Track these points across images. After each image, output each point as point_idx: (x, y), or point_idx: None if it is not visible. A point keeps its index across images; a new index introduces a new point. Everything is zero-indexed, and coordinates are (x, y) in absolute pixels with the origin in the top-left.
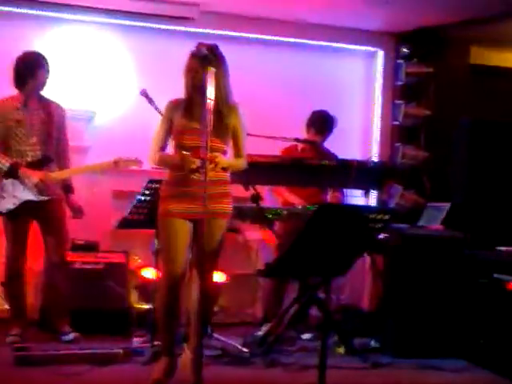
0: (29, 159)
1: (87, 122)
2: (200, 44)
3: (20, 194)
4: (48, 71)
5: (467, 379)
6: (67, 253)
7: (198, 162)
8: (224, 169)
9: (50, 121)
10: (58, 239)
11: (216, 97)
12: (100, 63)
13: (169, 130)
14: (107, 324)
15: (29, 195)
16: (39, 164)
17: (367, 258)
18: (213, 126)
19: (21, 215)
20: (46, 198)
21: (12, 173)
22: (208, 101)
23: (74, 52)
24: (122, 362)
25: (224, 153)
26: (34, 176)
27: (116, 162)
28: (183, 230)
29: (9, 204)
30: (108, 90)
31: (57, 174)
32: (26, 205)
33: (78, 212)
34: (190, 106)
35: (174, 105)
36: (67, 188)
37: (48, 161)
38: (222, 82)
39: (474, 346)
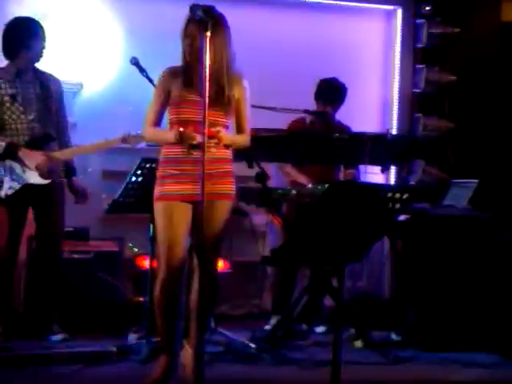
0: (26, 138)
1: (74, 96)
2: (194, 6)
3: (21, 176)
4: (44, 40)
5: (501, 375)
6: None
7: (198, 138)
8: (226, 146)
9: (48, 95)
10: (56, 229)
11: (216, 65)
12: (85, 30)
13: (164, 101)
14: (100, 319)
15: (32, 178)
16: (39, 143)
17: (386, 242)
18: (214, 98)
19: (19, 201)
20: (47, 182)
21: (10, 154)
22: (205, 69)
23: (57, 19)
24: (116, 360)
25: (226, 128)
26: (36, 157)
27: (124, 139)
28: (182, 214)
29: (7, 189)
30: (96, 59)
31: (60, 154)
32: (25, 189)
33: (82, 196)
34: (188, 75)
35: (171, 74)
36: (70, 169)
37: (48, 139)
38: (223, 48)
39: (509, 338)
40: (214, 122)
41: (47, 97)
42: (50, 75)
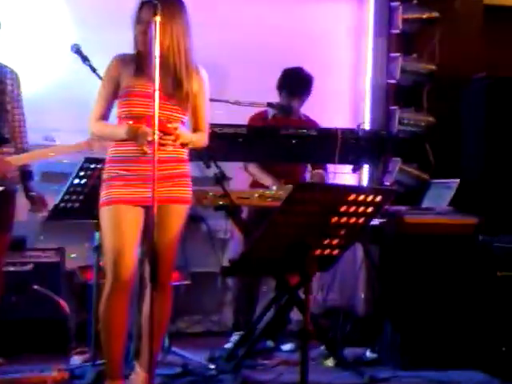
0: None
1: None
2: None
3: None
4: None
5: None
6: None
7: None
8: (183, 145)
9: (2, 91)
10: (2, 240)
11: (173, 55)
12: (25, 15)
13: (113, 93)
14: (39, 340)
15: None
16: None
17: (359, 249)
18: (170, 91)
19: None
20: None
21: None
22: (155, 59)
23: None
24: None
25: (182, 124)
26: None
27: (90, 143)
28: (132, 220)
29: None
30: (38, 48)
31: (16, 159)
32: None
33: (39, 204)
34: (140, 65)
35: (122, 62)
36: (26, 173)
37: (2, 142)
38: (180, 35)
39: (494, 354)
40: (169, 118)
41: (1, 93)
42: (6, 67)
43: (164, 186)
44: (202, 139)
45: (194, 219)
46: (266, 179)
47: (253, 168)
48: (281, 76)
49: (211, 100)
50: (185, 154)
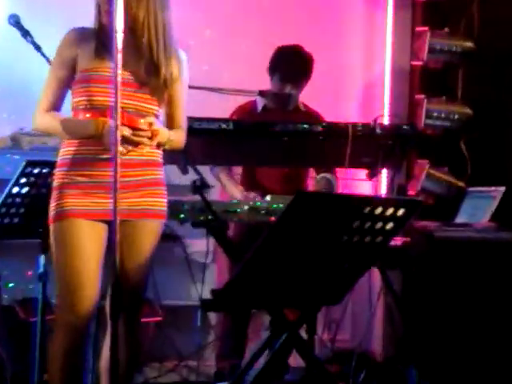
0: None
1: None
2: None
3: None
4: None
5: None
6: None
7: (126, 131)
8: (159, 144)
9: None
10: None
11: (147, 31)
12: None
13: (67, 77)
14: None
15: None
16: None
17: (377, 276)
18: (144, 78)
19: None
20: None
21: None
22: (117, 35)
23: None
24: None
25: (156, 118)
26: None
27: (16, 138)
28: (92, 239)
29: None
30: None
31: None
32: None
33: None
34: (104, 42)
35: (79, 37)
36: None
37: None
38: (158, 9)
39: None
40: (140, 110)
41: None
42: None
43: (134, 196)
44: (181, 138)
45: (166, 238)
46: (234, 190)
47: (221, 173)
48: (273, 56)
49: (194, 88)
50: (159, 156)
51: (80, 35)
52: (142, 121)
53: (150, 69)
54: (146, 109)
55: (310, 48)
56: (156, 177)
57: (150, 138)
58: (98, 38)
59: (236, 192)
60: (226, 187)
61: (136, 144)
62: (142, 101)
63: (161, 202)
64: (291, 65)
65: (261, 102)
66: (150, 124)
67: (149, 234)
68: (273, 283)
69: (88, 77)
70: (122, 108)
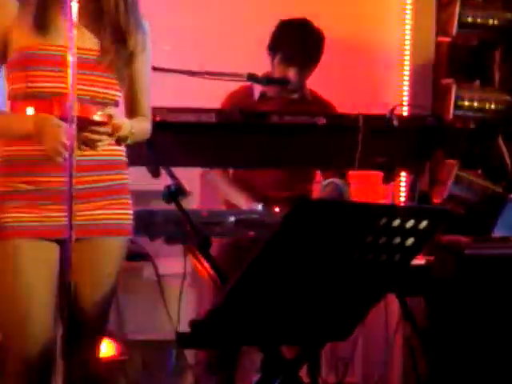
0: None
1: None
2: None
3: None
4: None
5: None
6: None
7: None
8: (121, 140)
9: None
10: None
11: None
12: None
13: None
14: None
15: None
16: None
17: (394, 304)
18: (107, 54)
19: None
20: None
21: None
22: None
23: None
24: None
25: (116, 106)
26: None
27: None
28: (40, 264)
29: None
30: None
31: None
32: None
33: None
34: (48, 11)
35: (13, 4)
36: None
37: None
38: None
39: None
40: (99, 98)
41: None
42: None
43: (90, 208)
44: (145, 129)
45: (133, 258)
46: (237, 196)
47: (216, 178)
48: (274, 32)
49: (159, 70)
50: (122, 155)
51: (13, 1)
52: (99, 113)
53: (113, 42)
54: (105, 95)
55: (321, 25)
56: (118, 182)
57: (111, 135)
58: (40, 7)
59: (239, 198)
60: (230, 196)
61: (94, 143)
62: (99, 85)
63: (125, 214)
64: (297, 43)
65: (258, 89)
66: (110, 116)
67: (111, 255)
68: (266, 313)
69: (27, 57)
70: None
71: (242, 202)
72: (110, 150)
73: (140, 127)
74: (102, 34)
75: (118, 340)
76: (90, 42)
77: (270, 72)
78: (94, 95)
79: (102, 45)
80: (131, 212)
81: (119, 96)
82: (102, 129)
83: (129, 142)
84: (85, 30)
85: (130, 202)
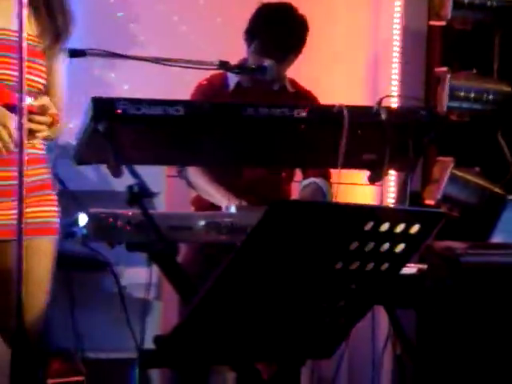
0: None
1: None
2: None
3: None
4: None
5: None
6: None
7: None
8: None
9: None
10: None
11: None
12: None
13: None
14: None
15: None
16: None
17: (382, 318)
18: (40, 36)
19: None
20: None
21: None
22: None
23: None
24: None
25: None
26: None
27: None
28: None
29: None
30: None
31: None
32: None
33: None
34: None
35: None
36: None
37: None
38: None
39: None
40: (31, 85)
41: None
42: None
43: (15, 206)
44: (61, 123)
45: (91, 266)
46: (216, 195)
47: (195, 175)
48: (252, 17)
49: (120, 56)
50: (43, 149)
51: None
52: (33, 102)
53: (45, 21)
54: (34, 83)
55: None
56: (43, 177)
57: (51, 125)
58: None
59: (218, 197)
60: (205, 191)
61: (33, 133)
62: (35, 72)
63: (52, 212)
64: (275, 31)
65: (234, 78)
66: (44, 107)
67: (41, 257)
68: (238, 328)
69: None
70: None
71: (220, 200)
72: (38, 144)
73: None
74: (37, 19)
75: (74, 359)
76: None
77: (245, 59)
78: (30, 83)
79: (38, 30)
80: (57, 210)
81: (44, 84)
82: (42, 118)
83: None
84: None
85: (55, 198)
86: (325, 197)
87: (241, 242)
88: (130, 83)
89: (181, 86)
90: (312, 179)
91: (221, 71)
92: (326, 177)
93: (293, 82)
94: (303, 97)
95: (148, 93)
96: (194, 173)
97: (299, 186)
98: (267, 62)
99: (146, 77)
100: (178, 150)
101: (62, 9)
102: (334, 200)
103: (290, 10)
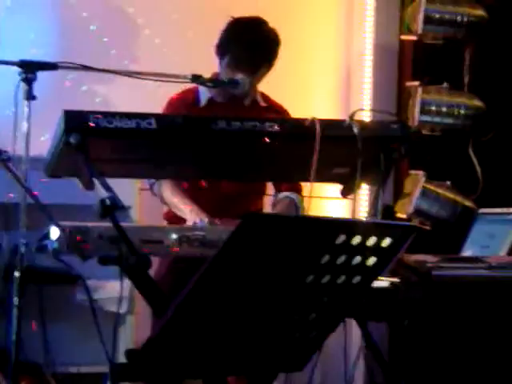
0: None
1: None
2: None
3: None
4: None
5: None
6: None
7: None
8: None
9: None
10: None
11: None
12: None
13: None
14: None
15: None
16: None
17: (354, 332)
18: None
19: None
20: None
21: None
22: None
23: None
24: None
25: None
26: None
27: None
28: None
29: None
30: None
31: None
32: None
33: None
34: None
35: None
36: None
37: None
38: None
39: None
40: None
41: None
42: None
43: None
44: None
45: (62, 280)
46: (183, 207)
47: (166, 189)
48: (223, 31)
49: (90, 69)
50: None
51: None
52: None
53: None
54: None
55: (276, 23)
56: None
57: None
58: None
59: (188, 213)
60: (174, 205)
61: None
62: None
63: None
64: (247, 45)
65: (205, 93)
66: None
67: None
68: (211, 341)
69: None
70: None
71: (187, 214)
72: None
73: None
74: None
75: (45, 374)
76: None
77: (217, 74)
78: None
79: None
80: None
81: None
82: None
83: None
84: None
85: None
86: (297, 211)
87: (212, 255)
88: (101, 96)
89: (154, 99)
90: (284, 193)
91: (192, 86)
92: (298, 190)
93: (264, 96)
94: (275, 111)
95: (120, 106)
96: (163, 186)
97: (271, 199)
98: (239, 76)
99: (118, 90)
100: (151, 163)
101: None
102: (306, 214)
103: (260, 24)
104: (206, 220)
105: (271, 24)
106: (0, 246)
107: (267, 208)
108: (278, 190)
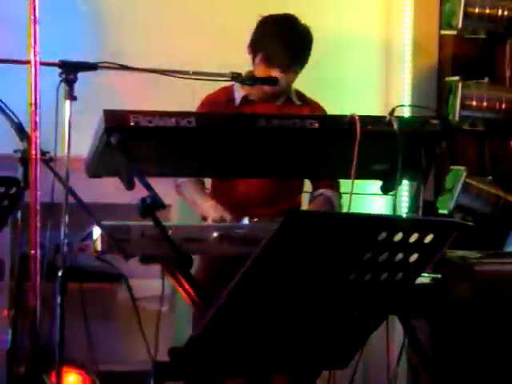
0: None
1: None
2: None
3: None
4: None
5: None
6: None
7: None
8: None
9: None
10: None
11: None
12: None
13: None
14: None
15: None
16: None
17: (397, 329)
18: None
19: None
20: None
21: None
22: None
23: None
24: None
25: None
26: None
27: None
28: None
29: None
30: None
31: None
32: None
33: None
34: None
35: None
36: None
37: None
38: None
39: None
40: None
41: None
42: None
43: None
44: None
45: (105, 279)
46: (204, 208)
47: (187, 188)
48: (255, 29)
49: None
50: None
51: None
52: None
53: None
54: None
55: (310, 21)
56: None
57: None
58: None
59: (207, 210)
60: (197, 205)
61: None
62: None
63: None
64: (280, 43)
65: (240, 92)
66: None
67: None
68: (254, 339)
69: None
70: None
71: (208, 210)
72: None
73: None
74: None
75: (88, 372)
76: None
77: (251, 72)
78: None
79: None
80: None
81: None
82: None
83: None
84: None
85: None
86: (333, 208)
87: (255, 252)
88: (138, 96)
89: (186, 98)
90: (320, 190)
91: (226, 85)
92: (334, 187)
93: (299, 94)
94: (310, 108)
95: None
96: (185, 185)
97: (308, 196)
98: (273, 74)
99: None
100: (190, 161)
101: None
102: (346, 211)
103: (293, 21)
104: (229, 217)
105: (309, 18)
106: (43, 245)
107: (304, 206)
108: (315, 187)
